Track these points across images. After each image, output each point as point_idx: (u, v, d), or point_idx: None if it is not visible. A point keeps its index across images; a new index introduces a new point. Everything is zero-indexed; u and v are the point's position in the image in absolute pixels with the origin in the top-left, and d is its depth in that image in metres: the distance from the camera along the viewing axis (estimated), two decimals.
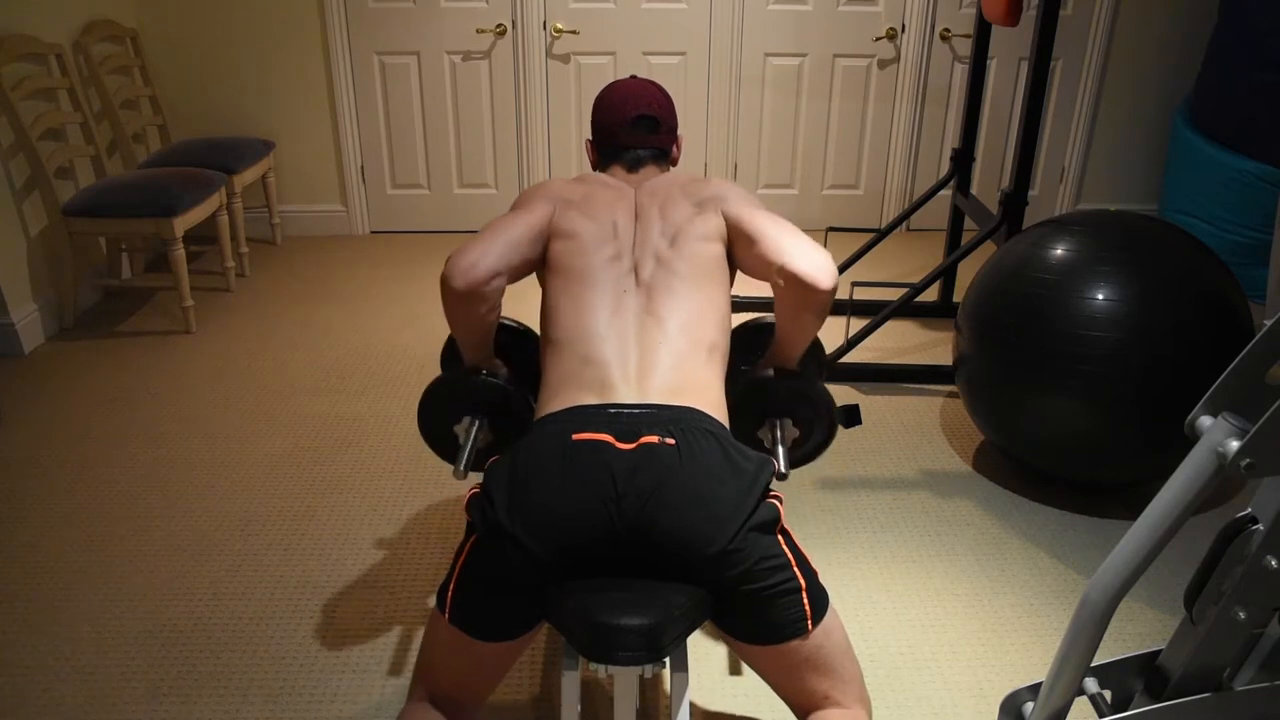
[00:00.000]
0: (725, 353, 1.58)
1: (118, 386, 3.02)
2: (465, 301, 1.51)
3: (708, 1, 4.11)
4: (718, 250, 1.61)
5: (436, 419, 1.72)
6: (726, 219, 1.62)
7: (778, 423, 1.71)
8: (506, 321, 1.86)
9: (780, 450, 1.66)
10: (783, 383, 1.68)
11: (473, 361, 1.67)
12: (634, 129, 1.76)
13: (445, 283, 1.50)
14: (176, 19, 4.02)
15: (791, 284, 1.50)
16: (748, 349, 1.86)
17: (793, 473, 2.57)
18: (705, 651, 1.95)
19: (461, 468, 1.62)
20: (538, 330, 1.89)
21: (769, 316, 1.84)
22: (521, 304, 3.66)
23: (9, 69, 3.18)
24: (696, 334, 1.51)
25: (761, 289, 3.73)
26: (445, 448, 1.76)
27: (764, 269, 1.56)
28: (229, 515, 2.38)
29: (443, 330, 3.45)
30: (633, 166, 1.76)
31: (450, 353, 1.92)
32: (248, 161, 3.84)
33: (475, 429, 1.68)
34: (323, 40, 4.09)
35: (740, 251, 1.62)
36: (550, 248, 1.62)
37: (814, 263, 1.49)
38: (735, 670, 1.90)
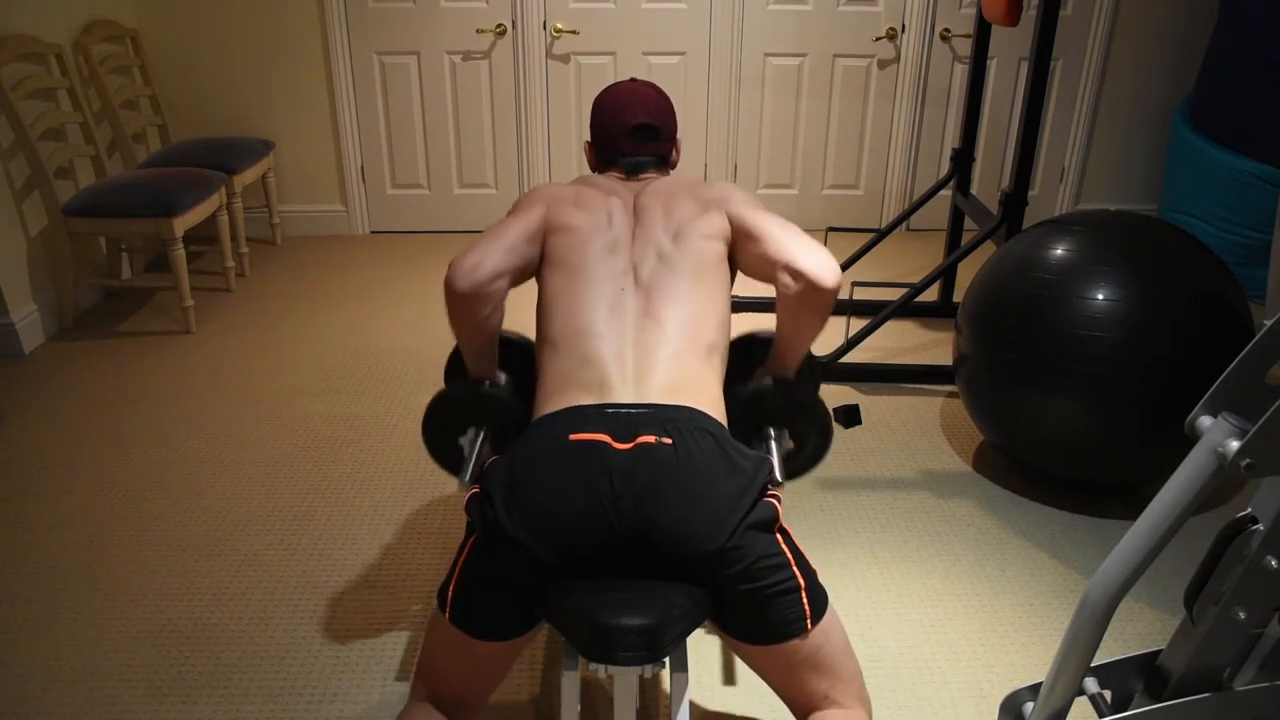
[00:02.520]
0: (724, 352, 1.58)
1: (118, 387, 3.02)
2: (469, 304, 1.52)
3: (708, 1, 4.11)
4: (720, 249, 1.61)
5: (442, 431, 1.72)
6: (730, 219, 1.63)
7: (773, 433, 1.70)
8: (509, 335, 1.87)
9: (775, 460, 1.64)
10: (779, 392, 1.68)
11: (476, 372, 1.67)
12: (633, 136, 1.76)
13: (449, 286, 1.51)
14: (176, 19, 4.02)
15: (796, 281, 1.51)
16: (745, 362, 1.86)
17: None
18: (705, 651, 1.95)
19: (467, 479, 1.62)
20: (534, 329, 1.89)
21: (764, 332, 1.84)
22: (522, 305, 3.66)
23: (9, 69, 3.18)
24: (695, 333, 1.51)
25: (761, 289, 3.73)
26: (449, 460, 1.76)
27: (767, 268, 1.57)
28: (229, 515, 2.38)
29: (443, 330, 3.45)
30: (631, 172, 1.76)
31: (454, 366, 1.91)
32: (248, 161, 3.84)
33: (480, 440, 1.67)
34: (323, 40, 4.09)
35: (743, 250, 1.62)
36: (546, 242, 1.62)
37: (818, 261, 1.50)
38: (735, 670, 1.90)
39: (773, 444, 1.68)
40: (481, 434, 1.68)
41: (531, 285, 3.85)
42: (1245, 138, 3.62)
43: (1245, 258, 3.73)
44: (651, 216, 1.63)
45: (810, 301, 1.52)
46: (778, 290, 1.55)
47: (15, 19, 3.23)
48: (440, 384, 3.05)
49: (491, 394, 1.66)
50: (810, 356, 1.90)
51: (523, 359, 1.88)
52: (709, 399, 1.48)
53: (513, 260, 1.56)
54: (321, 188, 4.36)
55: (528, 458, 1.38)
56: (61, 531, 2.31)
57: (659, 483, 1.33)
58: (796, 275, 1.50)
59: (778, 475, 1.56)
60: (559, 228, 1.61)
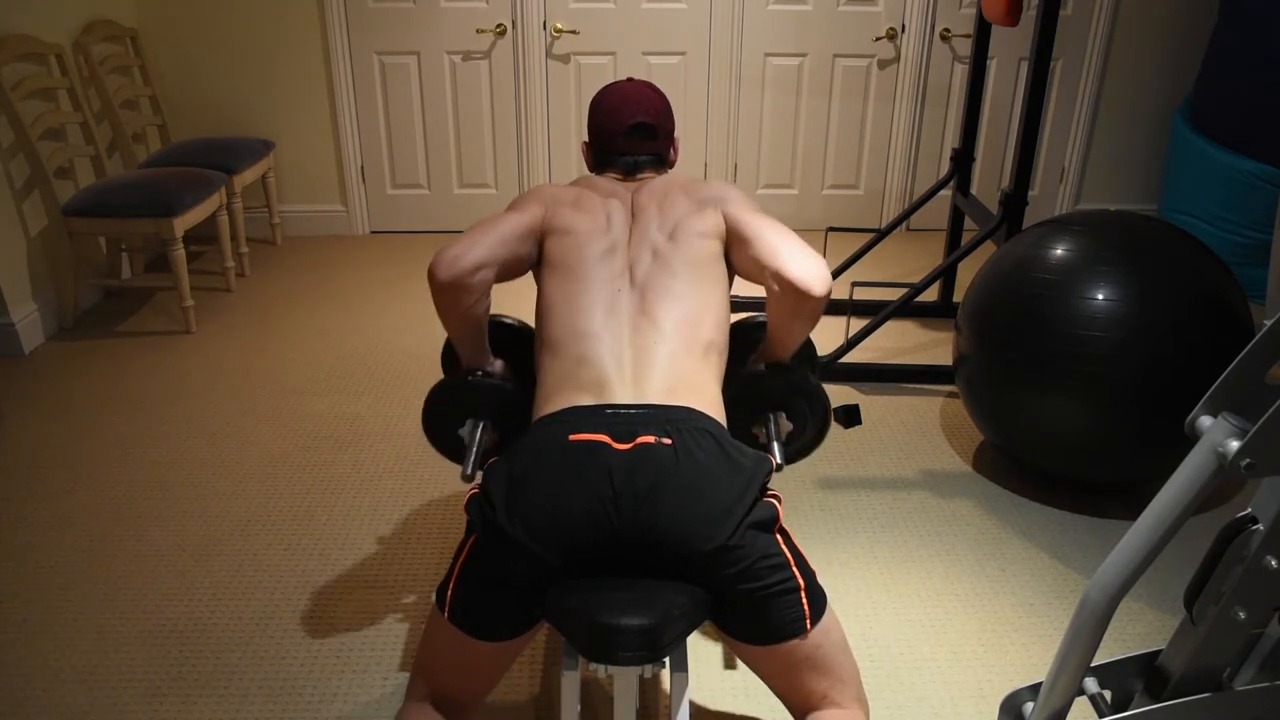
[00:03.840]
0: (723, 351, 1.58)
1: (117, 386, 3.02)
2: (451, 293, 1.52)
3: (708, 1, 4.11)
4: (715, 248, 1.60)
5: (440, 424, 1.72)
6: (725, 218, 1.62)
7: (772, 417, 1.71)
8: (505, 319, 1.86)
9: (775, 445, 1.67)
10: (776, 377, 1.69)
11: (469, 361, 1.67)
12: (631, 136, 1.76)
13: (431, 275, 1.51)
14: (176, 19, 4.02)
15: (784, 288, 1.50)
16: (746, 346, 1.86)
17: (793, 473, 2.57)
18: (705, 651, 1.95)
19: (469, 470, 1.62)
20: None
21: (761, 315, 1.84)
22: (521, 304, 3.66)
23: (9, 69, 3.18)
24: (692, 333, 1.51)
25: (761, 289, 3.72)
26: (452, 451, 1.76)
27: (757, 271, 1.56)
28: (229, 515, 2.38)
29: (441, 330, 3.45)
30: (629, 172, 1.76)
31: (450, 355, 1.91)
32: (248, 161, 3.84)
33: (479, 431, 1.68)
34: (323, 40, 4.09)
35: (735, 252, 1.62)
36: (545, 244, 1.62)
37: (807, 269, 1.49)
38: (735, 670, 1.90)
39: (772, 427, 1.69)
40: (481, 425, 1.68)
41: (532, 286, 3.85)
42: (1245, 138, 3.62)
43: (1245, 258, 3.73)
44: (647, 215, 1.62)
45: (799, 308, 1.52)
46: (767, 294, 1.55)
47: (15, 19, 3.23)
48: (439, 376, 3.05)
49: (480, 384, 1.66)
50: (807, 343, 1.90)
51: (519, 342, 1.87)
52: (707, 398, 1.48)
53: (499, 253, 1.55)
54: (321, 188, 4.36)
55: (527, 458, 1.39)
56: (61, 531, 2.31)
57: (659, 483, 1.33)
58: (784, 282, 1.49)
59: (778, 458, 1.56)
60: (557, 230, 1.61)
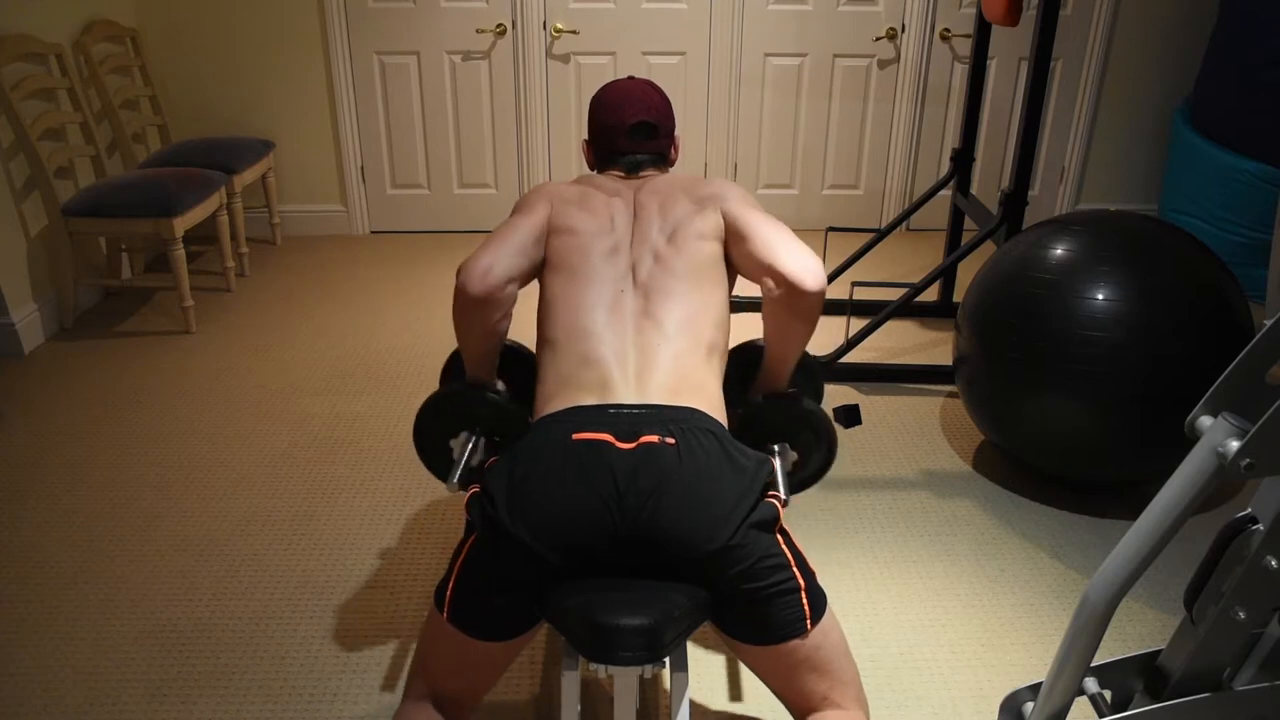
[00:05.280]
0: (724, 352, 1.58)
1: (117, 386, 3.02)
2: (481, 308, 1.50)
3: (708, 1, 4.11)
4: (715, 249, 1.60)
5: (434, 432, 1.70)
6: (724, 216, 1.62)
7: (775, 449, 1.67)
8: (509, 343, 1.86)
9: (780, 479, 1.58)
10: (778, 410, 1.64)
11: (475, 377, 1.65)
12: (632, 135, 1.76)
13: (462, 290, 1.49)
14: (176, 19, 4.02)
15: (778, 282, 1.49)
16: (746, 372, 1.84)
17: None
18: (705, 651, 1.95)
19: (454, 481, 1.60)
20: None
21: (759, 340, 1.82)
22: (521, 307, 3.66)
23: (9, 69, 3.18)
24: (695, 333, 1.51)
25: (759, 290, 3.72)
26: (437, 462, 1.73)
27: (753, 267, 1.55)
28: (229, 515, 2.38)
29: (442, 330, 3.45)
30: (631, 171, 1.76)
31: (452, 370, 1.90)
32: (248, 161, 3.84)
33: (471, 445, 1.65)
34: (323, 40, 4.09)
35: (733, 249, 1.61)
36: (549, 244, 1.61)
37: (803, 264, 1.48)
38: (735, 670, 1.90)
39: (775, 461, 1.61)
40: (474, 439, 1.67)
41: (533, 289, 3.85)
42: (1245, 138, 3.62)
43: (1245, 258, 3.73)
44: (648, 215, 1.62)
45: (794, 306, 1.50)
46: (763, 292, 1.54)
47: (15, 19, 3.23)
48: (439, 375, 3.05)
49: (490, 399, 1.65)
50: (807, 363, 1.88)
51: (520, 367, 1.87)
52: (710, 399, 1.48)
53: (522, 264, 1.55)
54: (321, 188, 4.36)
55: (530, 457, 1.38)
56: (61, 531, 2.31)
57: (662, 483, 1.33)
58: (778, 276, 1.48)
59: (782, 494, 1.50)
60: (562, 229, 1.61)
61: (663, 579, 1.35)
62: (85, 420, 2.82)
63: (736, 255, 1.61)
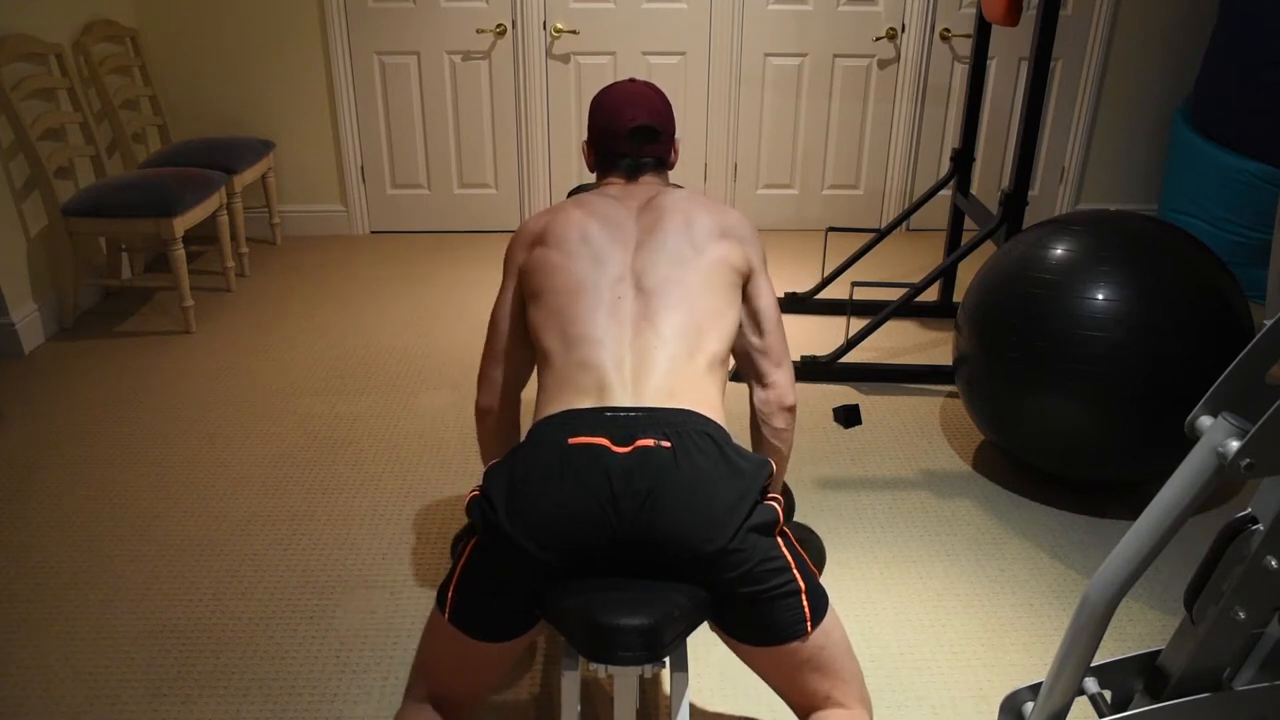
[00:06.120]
0: (726, 367, 1.59)
1: (117, 387, 3.02)
2: (501, 429, 1.75)
3: (708, 1, 4.11)
4: (734, 278, 1.62)
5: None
6: (752, 274, 1.67)
7: None
8: None
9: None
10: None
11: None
12: (633, 138, 1.75)
13: (482, 428, 1.74)
14: (176, 19, 4.02)
15: (768, 389, 1.68)
16: None
17: (793, 473, 2.57)
18: (705, 651, 1.95)
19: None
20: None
21: None
22: None
23: (9, 69, 3.18)
24: (694, 340, 1.51)
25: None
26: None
27: (752, 361, 1.68)
28: (229, 515, 2.38)
29: (442, 329, 3.45)
30: (631, 174, 1.76)
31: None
32: (248, 161, 3.84)
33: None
34: (323, 40, 4.09)
35: (743, 320, 1.68)
36: (529, 305, 1.62)
37: (791, 380, 1.69)
38: (735, 670, 1.90)
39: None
40: None
41: None
42: (1245, 138, 3.62)
43: (1245, 258, 3.73)
44: (672, 223, 1.61)
45: (781, 410, 1.67)
46: (753, 393, 1.70)
47: (15, 19, 3.23)
48: (439, 375, 3.05)
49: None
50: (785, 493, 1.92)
51: None
52: (707, 402, 1.48)
53: (519, 372, 1.72)
54: (321, 188, 4.36)
55: (527, 461, 1.38)
56: (61, 531, 2.31)
57: (658, 486, 1.33)
58: (771, 385, 1.67)
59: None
60: (537, 291, 1.60)
61: (663, 580, 1.35)
62: (85, 420, 2.82)
63: (741, 338, 1.68)
